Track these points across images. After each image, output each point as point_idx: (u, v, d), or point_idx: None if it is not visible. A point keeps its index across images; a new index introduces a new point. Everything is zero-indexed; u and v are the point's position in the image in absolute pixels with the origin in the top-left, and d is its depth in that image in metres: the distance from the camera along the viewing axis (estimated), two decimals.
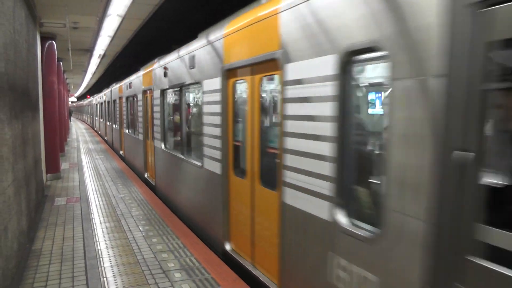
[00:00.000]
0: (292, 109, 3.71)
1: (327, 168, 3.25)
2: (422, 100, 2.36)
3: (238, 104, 5.27)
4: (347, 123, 3.13)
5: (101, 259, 5.48)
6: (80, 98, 64.14)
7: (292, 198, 3.76)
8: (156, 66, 9.12)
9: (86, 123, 50.96)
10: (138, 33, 11.80)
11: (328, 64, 3.19)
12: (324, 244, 3.35)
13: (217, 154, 5.55)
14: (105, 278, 4.89)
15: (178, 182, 7.75)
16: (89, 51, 14.91)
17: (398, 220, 2.57)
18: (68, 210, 8.08)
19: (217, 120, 5.51)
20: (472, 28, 2.06)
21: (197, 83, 6.35)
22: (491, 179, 2.12)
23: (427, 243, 2.36)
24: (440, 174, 2.26)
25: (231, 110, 5.28)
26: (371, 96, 3.42)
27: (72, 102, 50.66)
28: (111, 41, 12.78)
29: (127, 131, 14.54)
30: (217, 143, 5.54)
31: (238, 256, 5.20)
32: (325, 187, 3.28)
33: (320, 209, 3.36)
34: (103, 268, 5.19)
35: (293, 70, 3.68)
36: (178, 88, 7.61)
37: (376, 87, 3.35)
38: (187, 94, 7.65)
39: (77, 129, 37.85)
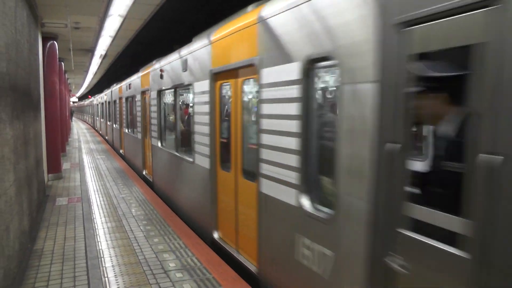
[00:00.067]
0: (266, 109, 4.22)
1: (293, 160, 3.74)
2: (362, 101, 2.85)
3: (224, 104, 5.77)
4: (309, 120, 3.62)
5: (102, 259, 5.49)
6: (81, 98, 64.19)
7: (267, 187, 4.25)
8: (153, 68, 9.60)
9: (87, 123, 51.03)
10: (139, 33, 11.81)
11: (293, 70, 3.70)
12: (292, 227, 3.82)
13: (206, 150, 6.01)
14: (106, 278, 4.89)
15: (173, 177, 8.21)
16: (91, 51, 14.93)
17: (347, 202, 3.06)
18: (69, 210, 8.09)
19: (206, 119, 5.98)
20: (397, 43, 2.52)
21: (189, 85, 6.81)
22: (415, 165, 2.62)
23: (368, 220, 2.83)
24: (377, 162, 2.73)
25: (218, 110, 5.78)
26: (329, 97, 3.84)
27: (73, 102, 50.72)
28: (112, 41, 12.80)
29: (126, 130, 15.01)
30: (206, 140, 6.01)
31: (224, 243, 5.66)
32: (292, 177, 3.76)
33: (288, 196, 3.84)
34: (104, 268, 5.20)
35: (267, 75, 4.19)
36: (173, 90, 8.13)
37: (332, 90, 3.77)
38: (181, 95, 8.20)
39: (78, 129, 37.90)
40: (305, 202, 3.63)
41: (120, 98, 16.28)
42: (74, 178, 11.77)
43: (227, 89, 5.60)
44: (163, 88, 8.70)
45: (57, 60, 12.25)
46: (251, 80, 4.84)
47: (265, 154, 4.25)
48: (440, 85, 2.60)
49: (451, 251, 2.24)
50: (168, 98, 9.05)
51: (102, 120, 27.47)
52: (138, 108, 11.98)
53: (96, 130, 34.23)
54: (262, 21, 4.29)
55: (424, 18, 2.35)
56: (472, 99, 2.14)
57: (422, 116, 2.70)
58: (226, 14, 5.84)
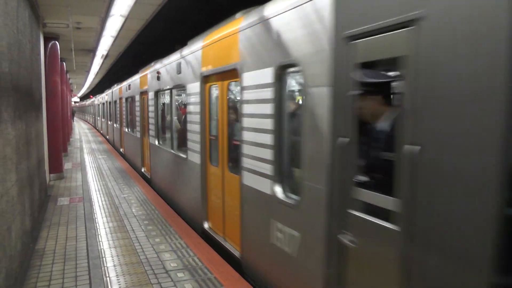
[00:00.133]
0: (247, 108, 4.70)
1: (268, 154, 4.23)
2: (320, 102, 3.33)
3: (212, 104, 6.17)
4: (281, 119, 4.10)
5: (104, 258, 5.50)
6: (83, 98, 64.25)
7: (248, 179, 4.73)
8: (151, 70, 10.09)
9: (88, 123, 51.09)
10: (141, 33, 11.81)
11: (268, 75, 4.18)
12: (267, 213, 4.30)
13: (197, 147, 6.49)
14: (108, 278, 4.90)
15: (169, 173, 8.73)
16: (92, 51, 14.94)
17: (309, 189, 3.54)
18: (71, 210, 8.10)
19: (197, 118, 6.45)
20: (346, 54, 3.00)
21: (183, 86, 7.30)
22: (360, 157, 3.04)
23: (326, 204, 3.30)
24: (331, 154, 3.21)
25: (207, 110, 6.23)
26: (299, 98, 4.27)
27: (75, 102, 50.76)
28: (114, 41, 12.80)
29: (126, 129, 15.47)
30: (197, 137, 6.48)
31: (213, 233, 6.12)
32: (267, 169, 4.25)
33: (264, 186, 4.33)
34: (106, 267, 5.20)
35: (247, 78, 4.67)
36: (169, 91, 8.66)
37: (300, 92, 4.20)
38: (175, 96, 8.67)
39: (80, 129, 37.95)
40: (278, 191, 4.13)
41: (120, 99, 16.69)
42: (75, 178, 11.79)
43: (215, 90, 6.06)
44: (160, 89, 9.19)
45: (59, 60, 12.26)
46: (233, 83, 5.36)
47: (246, 149, 4.74)
48: (377, 88, 3.15)
49: (385, 225, 2.72)
50: (165, 98, 9.54)
51: (103, 120, 27.94)
52: (137, 108, 12.44)
53: (98, 130, 34.27)
54: (243, 30, 4.80)
55: (365, 33, 2.82)
56: (399, 100, 2.59)
57: (365, 115, 3.15)
58: (226, 14, 5.89)
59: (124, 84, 15.57)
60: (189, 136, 6.92)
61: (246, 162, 4.74)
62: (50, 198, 9.23)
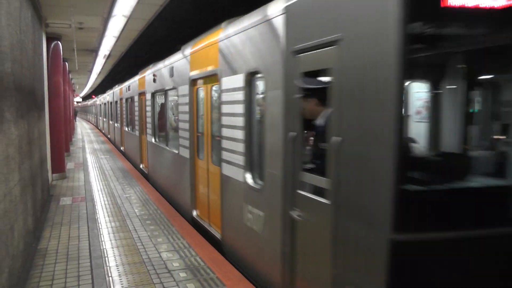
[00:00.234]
0: (224, 108, 5.41)
1: (240, 147, 4.92)
2: (276, 103, 4.04)
3: (199, 105, 6.88)
4: (250, 117, 4.82)
5: (106, 258, 5.51)
6: (85, 98, 64.33)
7: (226, 169, 5.41)
8: (148, 73, 10.80)
9: (91, 123, 51.17)
10: (143, 33, 11.82)
11: (240, 80, 4.91)
12: (241, 198, 4.98)
13: (187, 143, 7.20)
14: (110, 278, 4.91)
15: (163, 168, 9.51)
16: (94, 51, 14.96)
17: (269, 175, 4.27)
18: (73, 210, 8.12)
19: (187, 117, 7.16)
20: (294, 65, 3.72)
21: (175, 88, 8.04)
22: (305, 147, 3.81)
23: (281, 186, 3.96)
24: (284, 145, 3.88)
25: (195, 110, 6.98)
26: (261, 100, 4.86)
27: (77, 102, 50.83)
28: (116, 42, 12.81)
29: (126, 129, 16.15)
30: (187, 134, 7.18)
31: (200, 219, 6.78)
32: (240, 160, 4.93)
33: (238, 174, 5.01)
34: (108, 267, 5.21)
35: (225, 82, 5.38)
36: (163, 92, 9.35)
37: (262, 95, 4.78)
38: (169, 96, 9.20)
39: (82, 129, 38.02)
40: (248, 178, 4.80)
41: (121, 99, 17.36)
42: (78, 177, 11.81)
43: (201, 92, 6.81)
44: (156, 90, 9.98)
45: (61, 60, 12.29)
46: (215, 86, 5.98)
47: (225, 143, 5.42)
48: (314, 92, 3.81)
49: (321, 200, 3.38)
50: (160, 99, 10.16)
51: (104, 119, 28.66)
52: (136, 108, 13.13)
53: (100, 130, 34.34)
54: (221, 41, 5.51)
55: (306, 49, 3.54)
56: (329, 101, 3.26)
57: (307, 113, 3.81)
58: (228, 14, 5.94)
59: (124, 85, 16.31)
60: (180, 133, 7.65)
61: (225, 155, 5.42)
62: (53, 197, 9.25)
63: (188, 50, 7.14)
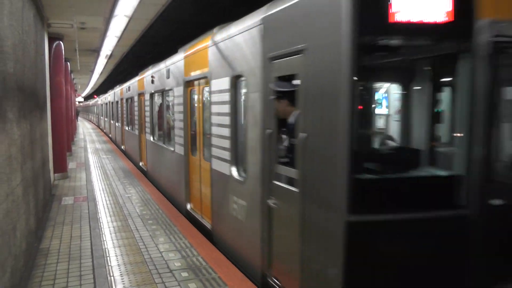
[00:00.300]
0: (214, 108, 5.88)
1: (227, 143, 5.40)
2: (255, 104, 4.53)
3: (192, 105, 7.34)
4: (235, 116, 5.30)
5: (108, 258, 5.52)
6: (87, 98, 64.39)
7: (215, 164, 5.88)
8: (147, 74, 11.30)
9: (93, 122, 51.23)
10: (145, 34, 11.83)
11: (226, 82, 5.40)
12: (227, 190, 5.45)
13: (182, 141, 7.65)
14: (112, 277, 4.92)
15: (161, 165, 10.01)
16: (96, 51, 14.97)
17: (251, 168, 4.74)
18: (75, 210, 8.13)
19: (181, 116, 7.61)
20: (269, 70, 4.21)
21: (171, 89, 8.48)
22: (279, 143, 4.32)
23: (260, 178, 4.46)
24: (262, 142, 4.37)
25: (188, 109, 7.46)
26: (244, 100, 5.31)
27: (79, 102, 50.88)
28: (118, 42, 12.82)
29: (127, 128, 16.64)
30: (182, 133, 7.64)
31: (194, 212, 7.24)
32: (227, 155, 5.42)
33: (225, 168, 5.49)
34: (110, 267, 5.22)
35: (214, 84, 5.85)
36: (161, 93, 9.90)
37: (245, 96, 5.20)
38: (166, 97, 9.69)
39: (84, 128, 38.07)
40: (234, 172, 5.26)
41: (121, 99, 17.84)
42: (80, 177, 11.83)
43: (194, 93, 7.28)
44: (154, 91, 10.44)
45: (63, 60, 12.31)
46: (206, 88, 6.39)
47: (214, 140, 5.90)
48: (285, 94, 4.23)
49: (291, 189, 3.86)
50: (158, 100, 10.68)
51: (106, 119, 29.17)
52: (136, 108, 13.61)
53: (101, 130, 34.39)
54: (211, 46, 5.99)
55: (278, 56, 4.04)
56: (297, 102, 3.75)
57: (280, 113, 4.30)
58: (229, 15, 6.01)
59: (125, 85, 16.91)
60: (176, 132, 8.14)
61: (214, 151, 5.91)
62: (55, 197, 9.27)
63: (182, 53, 7.61)
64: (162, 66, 9.38)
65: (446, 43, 3.33)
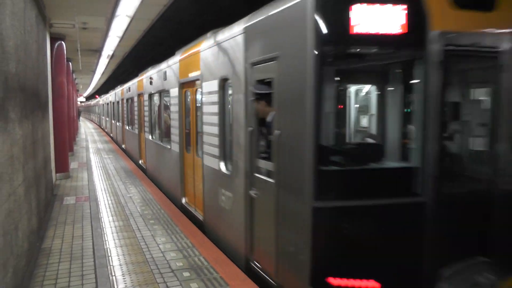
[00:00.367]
0: (205, 108, 6.40)
1: (216, 140, 5.92)
2: (239, 104, 5.01)
3: (187, 105, 7.86)
4: (223, 115, 5.80)
5: (110, 257, 5.52)
6: (88, 98, 64.45)
7: (206, 160, 6.40)
8: (146, 76, 11.83)
9: (94, 122, 51.28)
10: (147, 34, 11.84)
11: (215, 84, 5.90)
12: (217, 184, 5.98)
13: (177, 139, 8.18)
14: (114, 277, 4.92)
15: (159, 162, 10.58)
16: (98, 51, 14.98)
17: (236, 163, 5.20)
18: (77, 209, 8.14)
19: (177, 116, 8.14)
20: (251, 74, 4.73)
21: (167, 90, 9.00)
22: (259, 139, 4.81)
23: (244, 171, 4.90)
24: (246, 138, 4.86)
25: (183, 109, 7.99)
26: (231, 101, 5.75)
27: (81, 102, 50.92)
28: (119, 42, 12.82)
29: (127, 127, 17.16)
30: (177, 131, 8.15)
31: (188, 205, 7.81)
32: (216, 151, 5.94)
33: (215, 164, 5.99)
34: (112, 266, 5.23)
35: (205, 86, 6.38)
36: (158, 93, 10.40)
37: (231, 97, 5.66)
38: (163, 97, 10.17)
39: (86, 128, 38.12)
40: (222, 166, 5.76)
41: (122, 99, 18.34)
42: (81, 177, 11.85)
43: (188, 94, 7.78)
44: (152, 92, 10.96)
45: (65, 60, 12.32)
46: (198, 89, 6.86)
47: (205, 138, 6.43)
48: (263, 96, 4.63)
49: (269, 180, 4.35)
50: (156, 100, 11.13)
51: (107, 119, 29.69)
52: (136, 108, 14.14)
53: (103, 129, 34.42)
54: (202, 51, 6.51)
55: (257, 62, 4.54)
56: (275, 103, 4.21)
57: (259, 113, 4.76)
58: (230, 15, 6.07)
59: (125, 86, 17.50)
60: (172, 131, 8.69)
61: (205, 148, 6.43)
62: (56, 197, 9.29)
63: (178, 56, 8.16)
64: (159, 68, 9.87)
65: (401, 51, 3.78)
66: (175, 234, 6.50)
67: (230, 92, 5.61)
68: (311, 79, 3.54)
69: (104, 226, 6.95)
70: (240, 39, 5.01)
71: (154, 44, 14.91)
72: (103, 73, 24.82)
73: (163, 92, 9.75)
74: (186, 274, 4.99)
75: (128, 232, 6.61)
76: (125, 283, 4.75)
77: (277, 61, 4.06)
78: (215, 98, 5.90)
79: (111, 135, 25.96)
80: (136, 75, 14.91)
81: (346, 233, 3.65)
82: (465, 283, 3.87)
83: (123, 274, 5.00)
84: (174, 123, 8.43)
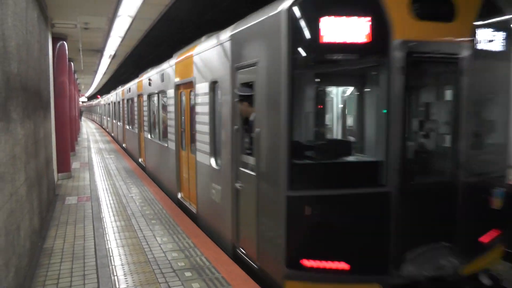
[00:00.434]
0: (198, 108, 6.88)
1: (207, 138, 6.39)
2: (228, 105, 5.43)
3: (181, 105, 8.29)
4: (213, 115, 6.26)
5: (111, 257, 5.53)
6: (90, 98, 64.54)
7: (199, 156, 6.88)
8: (145, 77, 12.29)
9: (96, 122, 51.35)
10: (148, 34, 11.84)
11: (206, 86, 6.39)
12: (208, 178, 6.44)
13: (173, 137, 8.68)
14: (115, 277, 4.92)
15: (157, 160, 11.04)
16: (100, 51, 14.99)
17: (224, 158, 5.66)
18: (79, 209, 8.15)
19: (173, 115, 8.62)
20: (236, 78, 5.19)
21: (165, 91, 9.47)
22: (243, 137, 5.19)
23: (230, 166, 5.35)
24: (231, 136, 5.32)
25: (179, 109, 8.42)
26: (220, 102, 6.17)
27: (82, 102, 51.01)
28: (121, 42, 12.82)
29: (127, 127, 17.59)
30: (173, 130, 8.67)
31: (183, 200, 8.26)
32: (207, 148, 6.41)
33: (206, 160, 6.45)
34: (113, 266, 5.23)
35: (197, 88, 6.85)
36: (156, 94, 10.83)
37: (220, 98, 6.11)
38: (161, 98, 10.54)
39: (88, 128, 38.16)
40: (213, 162, 6.24)
41: (123, 100, 18.82)
42: (83, 177, 11.86)
43: (183, 95, 8.17)
44: (151, 93, 11.42)
45: (67, 60, 12.33)
46: (192, 90, 7.30)
47: (198, 136, 6.91)
48: (246, 98, 5.01)
49: (251, 173, 4.79)
50: (155, 100, 11.50)
51: (108, 118, 30.20)
52: (135, 108, 14.60)
53: (104, 129, 34.47)
54: (195, 55, 6.98)
55: (241, 67, 5.00)
56: (255, 104, 4.67)
57: (243, 113, 5.16)
58: (231, 15, 6.12)
59: (126, 87, 18.06)
60: (169, 130, 9.21)
61: (198, 145, 6.92)
62: (58, 197, 9.30)
63: (174, 59, 8.64)
64: (157, 70, 10.40)
65: (366, 58, 4.24)
66: (176, 234, 6.50)
67: (219, 94, 6.01)
68: (285, 83, 3.98)
69: (105, 226, 6.96)
70: (227, 45, 5.44)
71: (155, 44, 14.93)
72: (105, 73, 24.85)
73: (161, 93, 10.16)
74: (188, 274, 4.99)
75: (130, 232, 6.62)
76: (127, 283, 4.75)
77: (257, 66, 4.53)
78: (206, 99, 6.38)
79: (112, 134, 26.30)
80: (137, 75, 14.99)
81: (317, 220, 4.06)
82: (428, 265, 4.21)
83: (125, 274, 5.01)
84: (171, 122, 8.91)
